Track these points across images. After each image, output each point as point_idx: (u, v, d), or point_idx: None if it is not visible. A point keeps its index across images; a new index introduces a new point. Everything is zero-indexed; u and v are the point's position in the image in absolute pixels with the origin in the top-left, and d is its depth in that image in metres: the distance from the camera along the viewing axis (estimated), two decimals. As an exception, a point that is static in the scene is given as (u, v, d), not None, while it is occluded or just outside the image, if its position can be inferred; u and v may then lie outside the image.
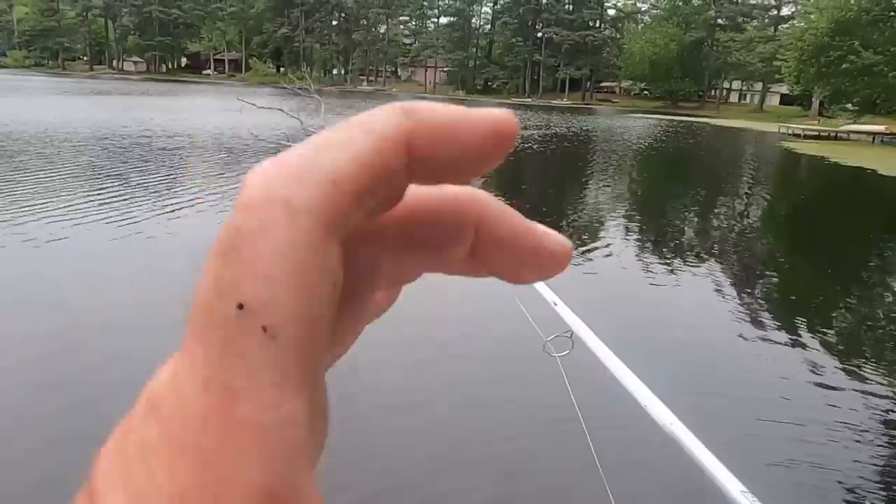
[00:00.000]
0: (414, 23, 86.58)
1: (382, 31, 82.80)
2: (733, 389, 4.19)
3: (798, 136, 34.45)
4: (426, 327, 4.80)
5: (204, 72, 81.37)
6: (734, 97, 70.11)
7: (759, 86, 62.88)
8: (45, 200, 8.00)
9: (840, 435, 3.66)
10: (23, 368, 3.79)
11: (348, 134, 0.14)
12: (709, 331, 5.38)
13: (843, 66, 31.72)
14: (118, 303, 4.93)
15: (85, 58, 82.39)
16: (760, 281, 7.30)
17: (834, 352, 5.03)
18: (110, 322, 4.56)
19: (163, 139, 15.31)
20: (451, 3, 79.09)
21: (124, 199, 8.53)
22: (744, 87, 67.92)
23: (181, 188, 9.75)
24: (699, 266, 7.47)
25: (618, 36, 73.28)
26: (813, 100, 47.37)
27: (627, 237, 8.90)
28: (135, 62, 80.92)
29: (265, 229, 0.13)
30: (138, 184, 9.62)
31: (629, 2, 76.07)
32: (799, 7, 53.60)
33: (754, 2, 67.84)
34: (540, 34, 73.46)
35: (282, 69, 74.63)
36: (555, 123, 33.81)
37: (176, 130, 16.89)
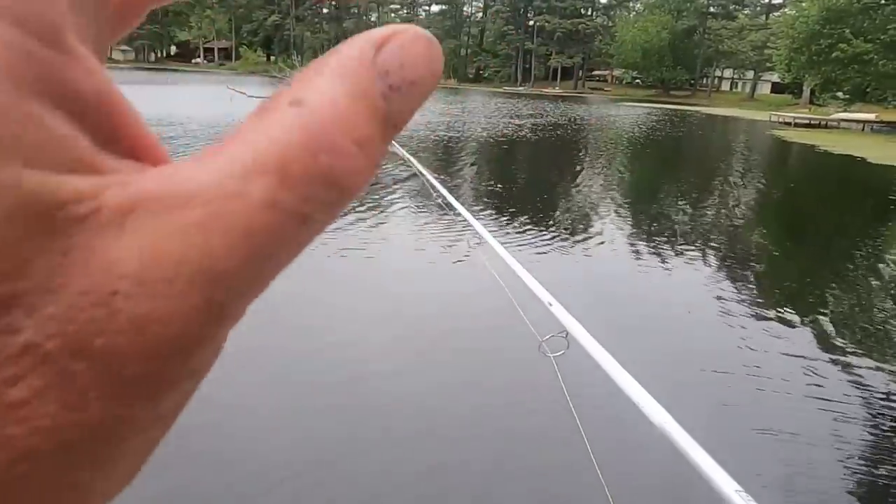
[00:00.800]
0: (405, 11, 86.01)
1: (373, 18, 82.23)
2: (714, 363, 4.23)
3: (789, 124, 34.58)
4: (423, 326, 4.82)
5: (193, 60, 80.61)
6: (726, 85, 70.22)
7: (750, 74, 63.01)
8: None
9: (841, 435, 3.71)
10: None
11: None
12: (692, 312, 5.42)
13: (834, 54, 31.81)
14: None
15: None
16: (750, 267, 7.36)
17: (825, 336, 5.08)
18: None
19: (156, 129, 15.13)
20: (442, -10, 78.68)
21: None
22: (735, 76, 68.02)
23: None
24: (687, 252, 7.52)
25: (610, 24, 73.09)
26: (804, 88, 47.46)
27: (619, 223, 8.93)
28: (123, 51, 79.94)
29: None
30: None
31: (621, -11, 75.93)
32: (790, -5, 53.57)
33: (746, -11, 67.89)
34: (532, 22, 73.19)
35: (272, 58, 74.04)
36: (548, 112, 33.75)
37: (169, 119, 16.74)
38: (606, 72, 76.21)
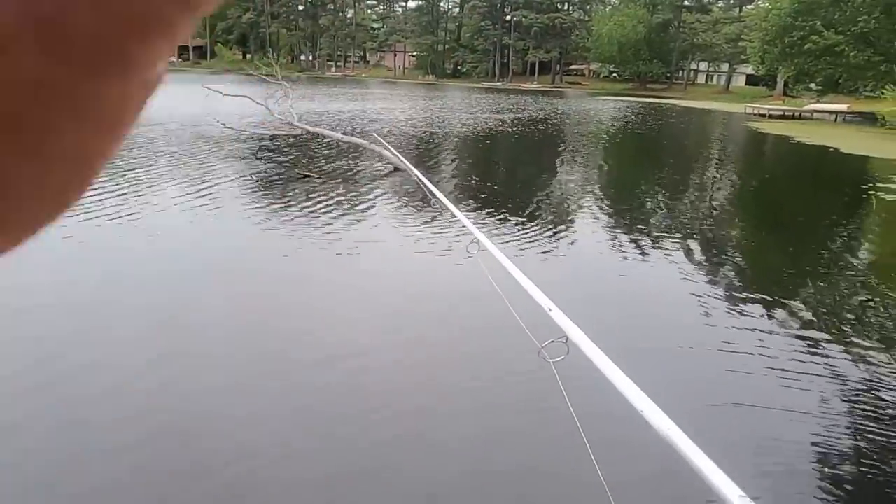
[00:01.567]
0: (382, 7, 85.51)
1: (350, 15, 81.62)
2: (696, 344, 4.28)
3: (763, 115, 35.08)
4: (421, 331, 4.80)
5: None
6: (701, 78, 70.88)
7: (725, 67, 63.66)
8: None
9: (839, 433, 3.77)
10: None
11: None
12: (674, 304, 5.48)
13: (806, 46, 32.22)
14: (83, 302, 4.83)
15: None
16: (726, 256, 7.47)
17: (804, 323, 5.17)
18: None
19: (137, 131, 14.84)
20: (418, -14, 78.33)
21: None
22: (710, 69, 68.70)
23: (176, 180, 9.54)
24: (665, 241, 7.60)
25: (586, 18, 73.34)
26: (778, 80, 48.10)
27: (598, 215, 9.00)
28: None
29: None
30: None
31: (597, -17, 76.21)
32: (763, -12, 54.23)
33: (719, -17, 68.54)
34: (509, 17, 73.19)
35: (248, 55, 73.16)
36: (527, 107, 33.81)
37: (149, 121, 16.46)
38: (583, 66, 76.49)
